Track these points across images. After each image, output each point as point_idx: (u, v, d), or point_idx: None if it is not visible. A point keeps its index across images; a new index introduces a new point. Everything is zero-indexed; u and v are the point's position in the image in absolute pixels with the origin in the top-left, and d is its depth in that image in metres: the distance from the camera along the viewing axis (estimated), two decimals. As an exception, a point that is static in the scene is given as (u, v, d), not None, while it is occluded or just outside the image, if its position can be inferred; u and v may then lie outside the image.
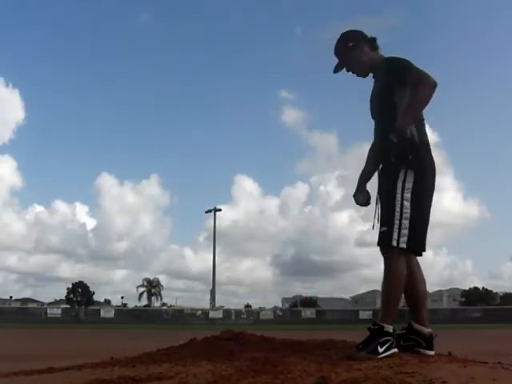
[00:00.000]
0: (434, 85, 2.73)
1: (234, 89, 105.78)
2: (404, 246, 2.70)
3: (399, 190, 2.73)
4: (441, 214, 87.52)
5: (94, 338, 14.94)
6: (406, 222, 2.70)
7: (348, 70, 3.05)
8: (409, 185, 2.73)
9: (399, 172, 2.74)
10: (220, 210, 59.39)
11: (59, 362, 3.68)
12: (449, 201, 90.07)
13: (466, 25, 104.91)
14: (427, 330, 2.87)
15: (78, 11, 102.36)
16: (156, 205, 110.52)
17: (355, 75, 3.06)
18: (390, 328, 2.68)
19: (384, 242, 2.74)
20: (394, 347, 2.66)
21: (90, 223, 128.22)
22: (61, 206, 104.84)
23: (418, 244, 2.78)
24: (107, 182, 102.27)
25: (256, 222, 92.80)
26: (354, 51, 2.99)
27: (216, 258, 58.20)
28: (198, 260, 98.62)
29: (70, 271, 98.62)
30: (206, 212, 59.72)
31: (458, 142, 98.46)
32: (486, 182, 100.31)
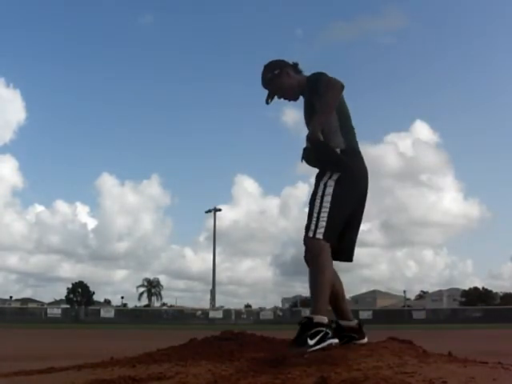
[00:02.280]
0: (340, 87, 2.86)
1: (235, 89, 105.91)
2: (320, 236, 2.74)
3: (322, 186, 2.82)
4: (441, 214, 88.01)
5: (94, 338, 14.93)
6: (324, 215, 2.76)
7: (280, 97, 3.13)
8: (331, 182, 2.81)
9: (326, 171, 2.85)
10: (220, 210, 59.55)
11: (59, 362, 3.68)
12: (449, 201, 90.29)
13: (467, 25, 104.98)
14: (354, 323, 3.00)
15: (79, 11, 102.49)
16: (157, 205, 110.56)
17: (287, 101, 3.13)
18: (322, 319, 2.61)
19: (304, 233, 2.80)
20: (331, 338, 2.58)
21: (91, 223, 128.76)
22: (62, 205, 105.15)
23: (333, 238, 2.79)
24: (108, 182, 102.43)
25: (256, 222, 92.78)
26: (281, 77, 3.07)
27: (216, 257, 58.40)
28: (198, 260, 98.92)
29: (71, 271, 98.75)
30: (206, 212, 59.85)
31: (458, 142, 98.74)
32: (487, 182, 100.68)
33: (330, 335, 2.56)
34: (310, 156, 2.88)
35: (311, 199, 2.84)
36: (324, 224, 2.74)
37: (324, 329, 2.57)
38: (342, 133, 2.93)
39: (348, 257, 3.00)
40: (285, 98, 3.14)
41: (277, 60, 3.15)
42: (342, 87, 2.86)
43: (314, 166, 2.93)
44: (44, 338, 14.72)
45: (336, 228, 2.79)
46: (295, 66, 3.12)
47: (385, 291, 78.57)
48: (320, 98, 2.85)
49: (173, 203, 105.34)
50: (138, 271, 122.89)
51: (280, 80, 3.07)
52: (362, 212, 3.01)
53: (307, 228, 2.79)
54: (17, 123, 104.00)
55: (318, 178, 2.88)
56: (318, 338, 2.54)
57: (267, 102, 3.13)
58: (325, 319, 2.61)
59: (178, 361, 2.63)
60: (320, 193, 2.81)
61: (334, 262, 2.97)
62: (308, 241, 2.79)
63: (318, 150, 2.82)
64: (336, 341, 2.57)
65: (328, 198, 2.78)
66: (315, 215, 2.77)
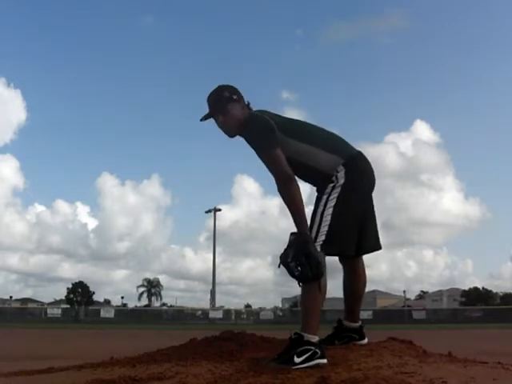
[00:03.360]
0: (289, 181, 2.57)
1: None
2: (318, 248, 2.58)
3: (324, 199, 2.70)
4: (441, 214, 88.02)
5: (94, 338, 14.93)
6: (324, 229, 2.63)
7: (216, 122, 2.82)
8: (334, 195, 2.69)
9: (328, 184, 2.72)
10: (220, 210, 59.56)
11: (59, 362, 3.68)
12: (449, 201, 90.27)
13: (468, 25, 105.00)
14: (357, 325, 2.98)
15: (79, 12, 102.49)
16: (157, 205, 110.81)
17: (221, 131, 2.83)
18: (312, 338, 2.49)
19: None
20: (320, 358, 2.44)
21: (92, 223, 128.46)
22: (62, 205, 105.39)
23: (337, 247, 2.68)
24: (108, 181, 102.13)
25: (257, 222, 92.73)
26: (235, 104, 2.78)
27: (216, 257, 58.50)
28: (198, 260, 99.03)
29: (71, 271, 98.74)
30: (206, 212, 59.88)
31: (458, 142, 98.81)
32: (487, 183, 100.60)
33: (318, 355, 2.45)
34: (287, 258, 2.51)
35: (313, 213, 2.71)
36: (323, 238, 2.62)
37: (313, 348, 2.46)
38: (330, 151, 2.76)
39: (376, 247, 2.93)
40: (222, 127, 2.82)
41: (237, 89, 2.87)
42: (289, 179, 2.57)
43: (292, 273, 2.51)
44: (44, 338, 14.70)
45: (337, 239, 2.66)
46: (248, 104, 2.86)
47: (385, 291, 78.57)
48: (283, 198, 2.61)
49: (173, 203, 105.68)
50: (139, 271, 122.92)
51: (232, 106, 2.78)
52: (373, 206, 2.92)
53: None
54: (17, 123, 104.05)
55: (320, 191, 2.76)
56: (305, 356, 2.43)
57: (202, 120, 2.85)
58: (315, 338, 2.50)
59: (177, 361, 2.63)
60: (321, 207, 2.69)
61: (364, 256, 2.93)
62: None
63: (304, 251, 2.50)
64: (324, 361, 2.44)
65: (329, 211, 2.67)
66: (315, 229, 2.64)
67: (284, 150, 2.65)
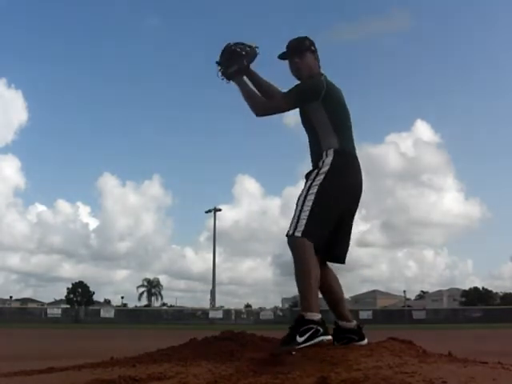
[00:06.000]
0: (277, 100, 2.99)
1: (236, 90, 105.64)
2: (299, 234, 2.68)
3: (307, 186, 2.80)
4: (442, 214, 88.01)
5: (94, 338, 14.93)
6: (305, 214, 2.71)
7: (291, 63, 3.06)
8: (317, 182, 2.78)
9: (312, 172, 2.85)
10: (220, 210, 59.51)
11: (59, 362, 3.68)
12: (450, 201, 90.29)
13: (470, 26, 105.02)
14: (353, 324, 2.96)
15: (81, 13, 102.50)
16: (158, 205, 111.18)
17: (291, 73, 3.09)
18: (313, 315, 2.53)
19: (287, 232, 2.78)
20: (323, 335, 2.49)
21: (93, 223, 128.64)
22: (63, 205, 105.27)
23: (315, 237, 2.72)
24: (109, 182, 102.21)
25: (257, 222, 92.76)
26: (312, 54, 3.07)
27: (217, 257, 58.41)
28: (198, 260, 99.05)
29: (72, 271, 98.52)
30: (206, 212, 59.85)
31: (459, 143, 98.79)
32: (487, 183, 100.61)
33: (321, 332, 2.48)
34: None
35: (297, 199, 2.82)
36: (304, 222, 2.70)
37: (315, 326, 2.48)
38: (336, 133, 2.88)
39: (341, 259, 2.96)
40: (295, 70, 3.05)
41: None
42: (279, 103, 2.97)
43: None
44: (44, 338, 14.71)
45: (318, 226, 2.72)
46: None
47: (385, 291, 78.54)
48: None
49: (174, 203, 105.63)
50: (139, 271, 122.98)
51: (309, 55, 3.04)
52: (353, 216, 2.95)
53: (289, 227, 2.76)
54: (18, 124, 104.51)
55: (307, 179, 2.86)
56: (307, 335, 2.46)
57: (279, 57, 3.10)
58: (316, 315, 2.53)
59: (178, 361, 2.63)
60: (304, 192, 2.78)
61: (331, 263, 2.96)
62: (288, 239, 2.76)
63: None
64: (328, 337, 2.48)
65: (311, 197, 2.74)
66: (297, 213, 2.74)
67: (310, 111, 2.90)
